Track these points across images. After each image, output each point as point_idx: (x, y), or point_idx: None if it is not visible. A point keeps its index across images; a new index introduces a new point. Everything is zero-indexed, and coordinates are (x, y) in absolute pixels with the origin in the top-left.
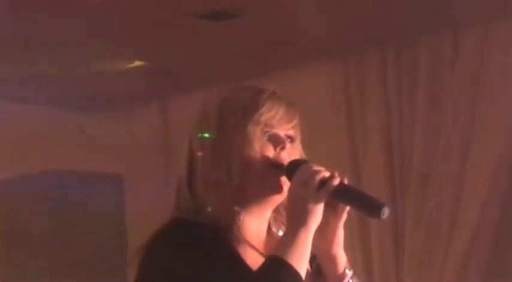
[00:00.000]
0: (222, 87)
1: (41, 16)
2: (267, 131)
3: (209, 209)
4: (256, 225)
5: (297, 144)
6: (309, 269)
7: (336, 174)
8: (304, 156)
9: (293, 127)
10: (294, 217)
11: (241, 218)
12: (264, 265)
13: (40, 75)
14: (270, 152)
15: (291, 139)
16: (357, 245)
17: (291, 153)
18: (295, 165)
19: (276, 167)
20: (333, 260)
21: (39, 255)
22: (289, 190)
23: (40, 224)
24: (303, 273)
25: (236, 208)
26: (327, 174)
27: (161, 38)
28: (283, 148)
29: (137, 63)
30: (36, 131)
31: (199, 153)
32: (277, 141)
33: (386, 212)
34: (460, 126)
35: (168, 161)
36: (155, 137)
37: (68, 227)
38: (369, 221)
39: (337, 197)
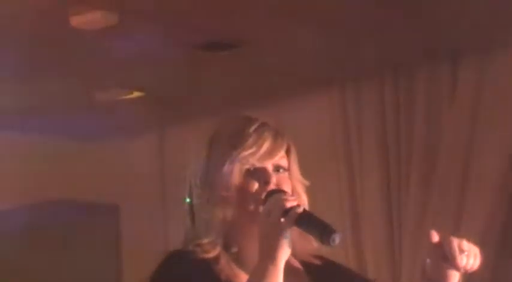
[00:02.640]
0: (223, 117)
1: (41, 47)
2: (249, 167)
3: (203, 242)
4: (254, 253)
5: (293, 171)
6: None
7: (301, 203)
8: (304, 183)
9: (283, 157)
10: (262, 250)
11: (234, 249)
12: None
13: (39, 104)
14: (254, 187)
15: (283, 168)
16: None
17: (282, 183)
18: (267, 196)
19: (255, 201)
20: None
21: None
22: (258, 221)
23: (35, 254)
24: None
25: (226, 240)
26: (292, 203)
27: (160, 69)
28: (266, 183)
29: (136, 93)
30: (34, 160)
31: (192, 189)
32: (259, 177)
33: (337, 239)
34: (458, 157)
35: (165, 191)
36: (153, 167)
37: (63, 256)
38: (365, 244)
39: (299, 225)
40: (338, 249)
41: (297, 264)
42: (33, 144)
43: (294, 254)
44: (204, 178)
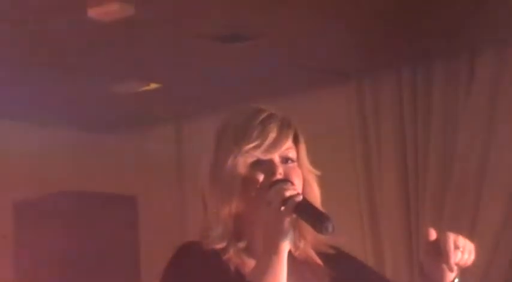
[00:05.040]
0: (232, 109)
1: (59, 39)
2: (255, 159)
3: (212, 233)
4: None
5: (303, 162)
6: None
7: (300, 192)
8: (315, 172)
9: (291, 148)
10: (266, 240)
11: (243, 241)
12: None
13: (57, 96)
14: (260, 179)
15: (291, 160)
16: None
17: (291, 174)
18: (271, 186)
19: (261, 193)
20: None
21: (53, 276)
22: (261, 211)
23: (53, 244)
24: None
25: (236, 232)
26: (292, 192)
27: (177, 61)
28: (273, 174)
29: (153, 85)
30: (51, 151)
31: (202, 182)
32: (265, 169)
33: (330, 228)
34: (476, 149)
35: (181, 183)
36: (170, 158)
37: (81, 248)
38: (383, 235)
39: (298, 214)
40: (356, 240)
41: (313, 254)
42: (51, 136)
43: (310, 245)
44: (212, 171)
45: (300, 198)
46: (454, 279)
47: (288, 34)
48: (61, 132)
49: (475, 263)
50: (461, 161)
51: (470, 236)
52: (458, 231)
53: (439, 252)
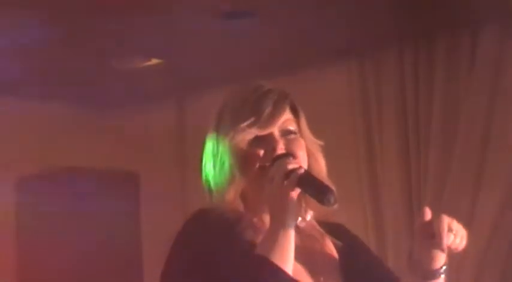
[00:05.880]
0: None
1: (60, 15)
2: (253, 136)
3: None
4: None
5: (304, 133)
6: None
7: (301, 165)
8: (318, 143)
9: (290, 120)
10: (272, 215)
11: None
12: (247, 263)
13: (57, 73)
14: (260, 155)
15: (292, 132)
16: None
17: (293, 146)
18: (273, 162)
19: (263, 168)
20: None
21: (54, 253)
22: (265, 187)
23: (56, 221)
24: (287, 267)
25: (245, 209)
26: (294, 166)
27: (178, 37)
28: (273, 149)
29: (154, 61)
30: (53, 128)
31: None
32: (265, 144)
33: (332, 199)
34: (478, 127)
35: (184, 159)
36: (172, 135)
37: (82, 224)
38: (384, 213)
39: (301, 186)
40: (358, 218)
41: (317, 226)
42: (53, 113)
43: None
44: (214, 151)
45: (302, 171)
46: (442, 267)
47: (291, 11)
48: (62, 109)
49: (473, 247)
50: (463, 137)
51: (469, 214)
52: (459, 209)
53: (431, 234)
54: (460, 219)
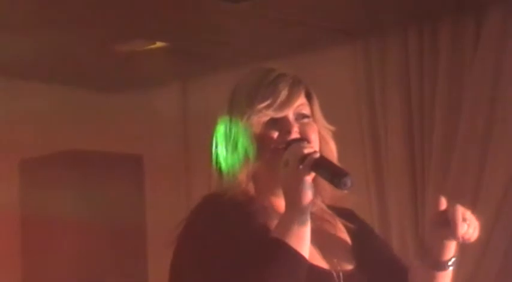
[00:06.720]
0: (246, 71)
1: None
2: (268, 118)
3: (234, 187)
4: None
5: (317, 117)
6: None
7: (329, 150)
8: (330, 128)
9: (304, 104)
10: (287, 198)
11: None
12: (264, 247)
13: (61, 54)
14: (274, 138)
15: (306, 116)
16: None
17: (307, 130)
18: (287, 146)
19: (276, 151)
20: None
21: (58, 236)
22: (280, 171)
23: (59, 204)
24: (303, 251)
25: (257, 193)
26: (309, 150)
27: (182, 19)
28: (288, 132)
29: (158, 44)
30: (56, 111)
31: (217, 145)
32: (280, 127)
33: (348, 182)
34: (481, 110)
35: (187, 142)
36: (176, 118)
37: (87, 207)
38: (388, 198)
39: (316, 170)
40: (363, 204)
41: (328, 210)
42: (57, 95)
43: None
44: (227, 132)
45: (318, 155)
46: (451, 258)
47: None
48: (66, 92)
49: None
50: (467, 118)
51: (474, 195)
52: (463, 190)
53: (445, 223)
54: (464, 200)
